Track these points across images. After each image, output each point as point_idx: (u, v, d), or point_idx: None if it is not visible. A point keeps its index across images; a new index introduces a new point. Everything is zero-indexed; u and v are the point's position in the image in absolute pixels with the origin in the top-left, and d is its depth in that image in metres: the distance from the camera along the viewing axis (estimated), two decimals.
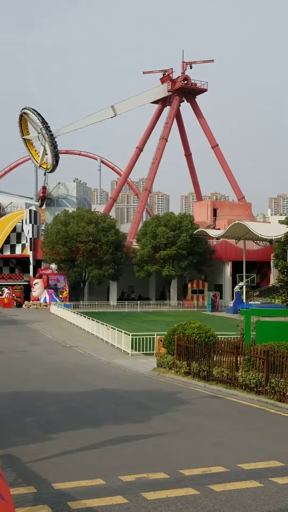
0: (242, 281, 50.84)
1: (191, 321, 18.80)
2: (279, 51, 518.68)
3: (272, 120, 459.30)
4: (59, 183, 70.85)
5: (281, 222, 50.44)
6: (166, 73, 69.07)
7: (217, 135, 69.78)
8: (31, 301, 53.21)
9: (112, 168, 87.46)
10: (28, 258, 56.51)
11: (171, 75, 69.10)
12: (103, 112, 66.79)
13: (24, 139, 69.03)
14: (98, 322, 30.58)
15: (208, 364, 16.52)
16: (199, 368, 16.83)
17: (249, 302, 47.72)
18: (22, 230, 57.16)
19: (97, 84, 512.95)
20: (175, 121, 70.30)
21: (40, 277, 53.67)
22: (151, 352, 23.83)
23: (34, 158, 69.66)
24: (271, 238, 45.23)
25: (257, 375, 14.26)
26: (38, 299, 53.29)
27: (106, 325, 29.04)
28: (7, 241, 57.10)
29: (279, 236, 38.28)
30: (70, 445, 8.61)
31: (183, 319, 20.73)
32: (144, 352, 24.12)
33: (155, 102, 72.02)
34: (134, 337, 24.68)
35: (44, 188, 67.74)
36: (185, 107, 69.81)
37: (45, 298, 52.95)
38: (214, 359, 16.39)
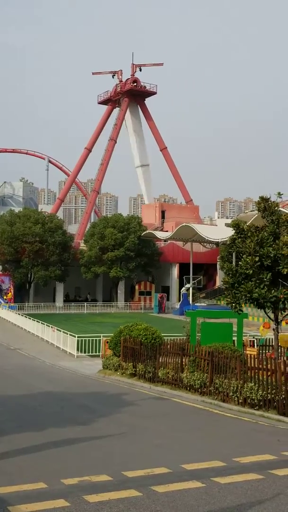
0: (188, 283, 51.54)
1: (138, 323, 18.87)
2: (231, 57, 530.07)
3: (224, 124, 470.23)
4: (5, 182, 69.41)
5: (227, 225, 51.50)
6: (115, 75, 69.21)
7: (168, 138, 70.67)
8: None
9: (60, 168, 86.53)
10: None
11: (120, 76, 69.26)
12: None
13: None
14: (44, 324, 30.20)
15: (154, 365, 16.60)
16: (144, 369, 16.89)
17: (196, 304, 48.46)
18: None
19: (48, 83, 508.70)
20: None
21: None
22: (97, 354, 23.77)
23: None
24: (217, 240, 46.12)
25: (201, 376, 14.45)
26: None
27: (51, 327, 28.69)
28: None
29: (225, 239, 39.13)
30: (12, 449, 8.42)
31: (130, 321, 20.80)
32: (90, 354, 24.03)
33: (103, 103, 71.97)
34: (80, 339, 24.56)
35: None
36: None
37: None
38: (160, 360, 16.49)
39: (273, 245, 13.20)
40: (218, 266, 53.23)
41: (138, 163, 68.83)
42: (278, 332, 14.08)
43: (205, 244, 54.68)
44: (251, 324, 37.81)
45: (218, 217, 75.34)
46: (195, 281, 53.61)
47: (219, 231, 47.47)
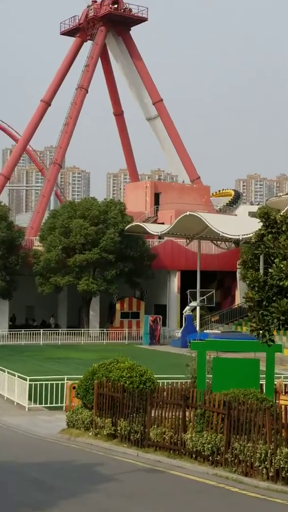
0: (195, 300, 51.68)
1: (120, 359, 18.87)
2: None
3: (245, 74, 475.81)
4: None
5: (252, 214, 51.22)
6: None
7: (164, 91, 71.05)
8: None
9: (4, 130, 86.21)
10: None
11: None
12: None
13: None
14: None
15: (143, 422, 16.61)
16: (129, 428, 16.90)
17: (205, 331, 48.48)
18: None
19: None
20: (101, 65, 70.49)
21: None
22: (59, 405, 23.69)
23: None
24: (237, 237, 46.27)
25: (214, 437, 14.47)
26: None
27: None
28: None
29: (249, 235, 39.20)
30: None
31: (107, 356, 20.78)
32: (48, 405, 23.98)
33: (69, 34, 71.99)
34: (33, 383, 24.49)
35: None
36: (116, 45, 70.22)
37: None
38: (152, 414, 16.48)
39: None
40: (238, 276, 53.38)
41: (150, 114, 70.33)
42: None
43: (219, 243, 54.85)
44: (286, 361, 37.89)
45: (239, 203, 75.79)
46: (205, 297, 53.79)
47: (240, 224, 47.55)
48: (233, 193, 76.08)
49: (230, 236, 47.51)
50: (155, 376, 18.71)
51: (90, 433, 18.23)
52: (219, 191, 78.73)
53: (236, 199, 73.59)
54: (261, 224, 14.42)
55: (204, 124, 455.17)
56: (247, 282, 14.04)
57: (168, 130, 69.51)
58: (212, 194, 74.33)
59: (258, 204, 72.70)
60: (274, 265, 13.57)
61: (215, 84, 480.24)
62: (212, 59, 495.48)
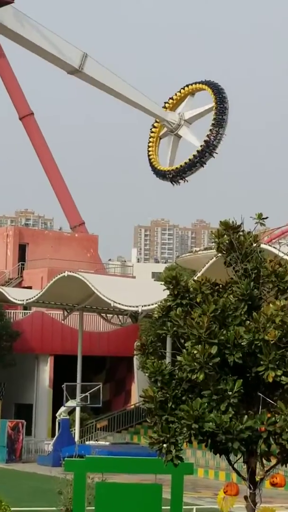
0: (74, 397, 51.29)
1: None
2: None
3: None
4: None
5: (156, 277, 51.87)
6: None
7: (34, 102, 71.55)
8: None
9: None
10: None
11: None
12: None
13: None
14: None
15: None
16: None
17: (88, 443, 48.07)
18: None
19: None
20: None
21: None
22: None
23: None
24: (135, 309, 46.50)
25: None
26: None
27: None
28: None
29: (150, 307, 39.43)
30: None
31: None
32: None
33: None
34: None
35: None
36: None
37: None
38: None
39: (247, 321, 13.46)
40: (135, 364, 53.48)
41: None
42: (255, 505, 14.19)
43: (110, 316, 54.95)
44: (201, 486, 38.00)
45: (139, 260, 76.26)
46: (88, 393, 53.48)
47: (140, 290, 47.93)
48: (212, 95, 73.08)
49: (126, 308, 47.72)
50: (12, 509, 18.37)
51: None
52: (186, 87, 74.25)
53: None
54: (168, 291, 14.53)
55: (90, 154, 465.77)
56: (147, 373, 14.03)
57: (40, 158, 69.79)
58: (170, 100, 72.49)
59: (165, 262, 73.47)
60: (184, 350, 13.62)
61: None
62: None
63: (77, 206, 70.55)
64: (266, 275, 14.31)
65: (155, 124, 69.06)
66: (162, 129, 69.54)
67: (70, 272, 48.33)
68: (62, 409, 50.94)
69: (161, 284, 14.93)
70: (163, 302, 14.55)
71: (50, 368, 56.59)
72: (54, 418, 52.70)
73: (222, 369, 13.69)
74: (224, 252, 14.62)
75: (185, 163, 66.34)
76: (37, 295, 50.78)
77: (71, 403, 50.86)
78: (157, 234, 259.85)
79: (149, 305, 40.59)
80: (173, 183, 67.10)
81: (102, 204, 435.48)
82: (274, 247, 30.90)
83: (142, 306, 43.69)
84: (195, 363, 13.33)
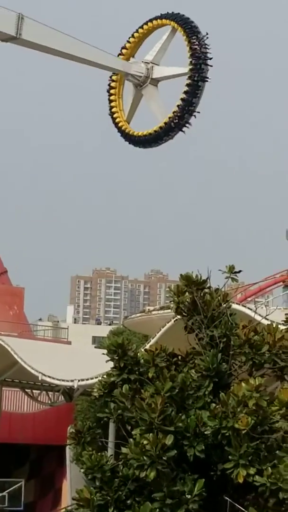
0: None
1: None
2: None
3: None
4: None
5: (97, 342, 51.93)
6: None
7: None
8: None
9: None
10: None
11: None
12: None
13: None
14: None
15: None
16: None
17: None
18: None
19: None
20: None
21: None
22: None
23: None
24: (69, 384, 46.37)
25: None
26: None
27: None
28: None
29: (89, 382, 39.22)
30: None
31: None
32: None
33: None
34: None
35: None
36: None
37: None
38: None
39: (213, 404, 13.44)
40: (68, 456, 53.03)
41: None
42: None
43: (37, 392, 54.73)
44: None
45: (76, 320, 76.29)
46: (6, 492, 53.10)
47: (76, 360, 47.83)
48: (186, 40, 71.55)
49: (57, 382, 47.50)
50: None
51: None
52: (149, 22, 72.97)
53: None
54: (112, 363, 14.48)
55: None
56: (83, 469, 13.93)
57: None
58: (127, 44, 71.35)
59: (109, 324, 73.32)
60: (131, 440, 13.56)
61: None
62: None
63: None
64: (238, 345, 14.32)
65: (114, 77, 67.75)
66: (123, 82, 68.65)
67: None
68: None
69: (103, 353, 14.87)
70: (105, 376, 14.49)
71: None
72: None
73: (179, 465, 13.62)
74: (185, 314, 14.66)
75: (154, 131, 65.03)
76: None
77: None
78: (100, 288, 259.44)
79: (87, 380, 40.40)
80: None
81: (30, 248, 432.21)
82: (248, 308, 30.95)
83: (79, 381, 43.45)
84: (145, 457, 13.22)
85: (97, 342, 57.03)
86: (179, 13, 66.78)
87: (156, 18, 67.80)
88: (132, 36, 66.77)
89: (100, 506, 13.55)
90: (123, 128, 63.43)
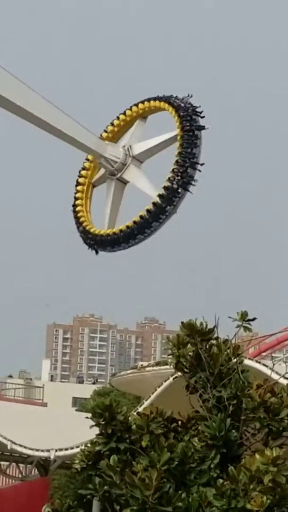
0: None
1: None
2: None
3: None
4: None
5: (79, 404, 52.39)
6: None
7: None
8: None
9: None
10: None
11: None
12: None
13: None
14: None
15: None
16: None
17: None
18: None
19: None
20: None
21: None
22: None
23: None
24: (45, 455, 46.47)
25: None
26: None
27: None
28: None
29: (68, 453, 39.34)
30: None
31: None
32: None
33: None
34: None
35: None
36: None
37: None
38: None
39: (220, 480, 13.53)
40: None
41: None
42: None
43: (6, 465, 54.84)
44: None
45: (53, 378, 76.22)
46: None
47: (53, 425, 47.97)
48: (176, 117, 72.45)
49: (30, 453, 47.67)
50: None
51: None
52: (134, 106, 73.42)
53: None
54: (98, 429, 14.57)
55: None
56: None
57: None
58: (109, 127, 71.59)
59: (93, 383, 73.02)
60: None
61: None
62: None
63: None
64: (250, 409, 14.40)
65: (86, 165, 65.63)
66: (97, 171, 66.13)
67: None
68: None
69: (87, 417, 14.96)
70: (89, 445, 14.59)
71: None
72: None
73: None
74: (186, 370, 14.77)
75: (134, 222, 61.26)
76: None
77: None
78: (83, 338, 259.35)
79: (66, 450, 40.64)
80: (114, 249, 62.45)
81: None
82: (264, 365, 31.12)
83: (56, 451, 43.67)
84: None
85: (79, 404, 57.46)
86: (183, 99, 67.84)
87: (151, 99, 67.94)
88: (118, 117, 65.59)
89: None
90: (85, 226, 57.00)
